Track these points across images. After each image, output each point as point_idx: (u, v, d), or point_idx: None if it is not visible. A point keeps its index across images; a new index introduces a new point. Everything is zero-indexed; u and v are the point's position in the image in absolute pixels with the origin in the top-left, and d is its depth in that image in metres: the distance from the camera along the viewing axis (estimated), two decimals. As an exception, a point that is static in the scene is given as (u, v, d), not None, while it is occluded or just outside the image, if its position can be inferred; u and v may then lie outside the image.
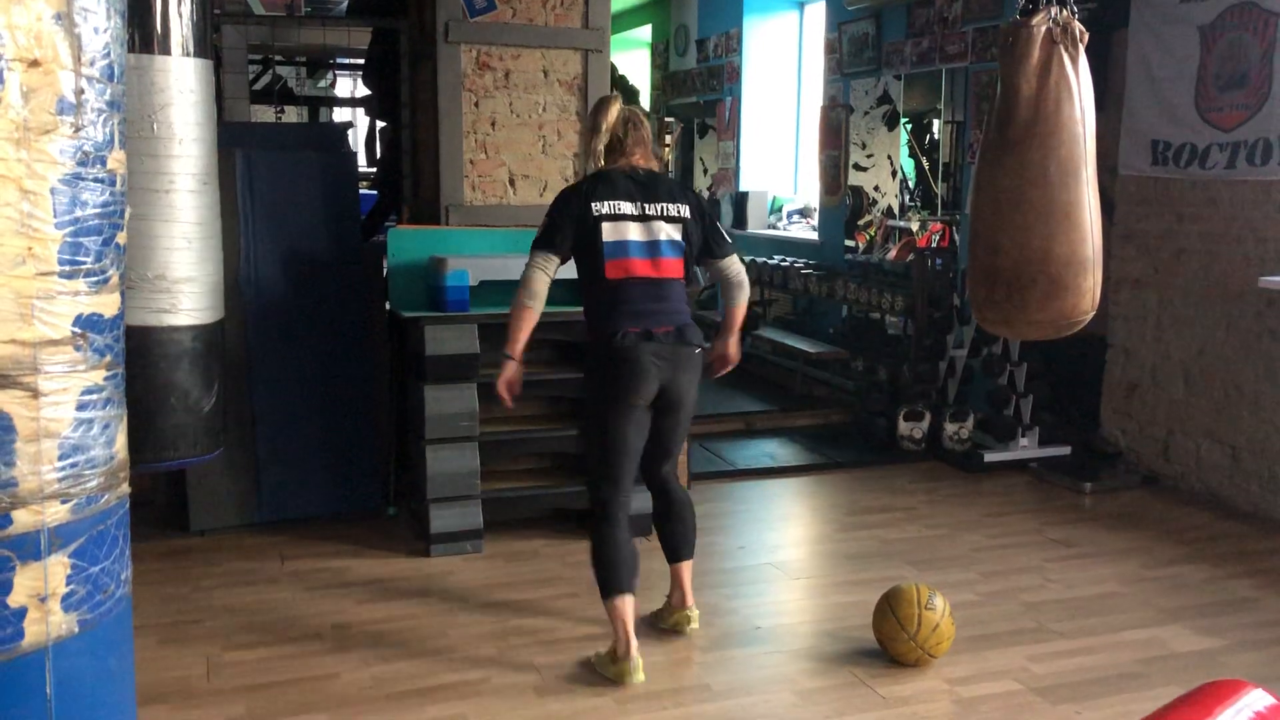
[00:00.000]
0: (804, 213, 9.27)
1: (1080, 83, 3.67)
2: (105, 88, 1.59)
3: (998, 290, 3.75)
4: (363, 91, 6.94)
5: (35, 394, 1.56)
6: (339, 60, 7.56)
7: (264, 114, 7.42)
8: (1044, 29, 3.62)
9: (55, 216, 1.53)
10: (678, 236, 3.40)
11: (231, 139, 4.42)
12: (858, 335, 7.55)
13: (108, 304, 1.67)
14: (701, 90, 10.29)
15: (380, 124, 5.81)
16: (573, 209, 3.36)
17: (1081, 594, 4.08)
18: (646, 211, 3.37)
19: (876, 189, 7.86)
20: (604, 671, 3.36)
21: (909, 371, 6.47)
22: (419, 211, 5.18)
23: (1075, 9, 3.67)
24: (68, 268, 1.57)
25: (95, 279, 1.62)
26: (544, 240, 3.36)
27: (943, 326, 6.41)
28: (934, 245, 7.22)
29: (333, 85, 10.09)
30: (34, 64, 1.46)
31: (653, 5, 11.21)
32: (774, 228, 9.39)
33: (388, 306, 4.82)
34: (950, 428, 5.91)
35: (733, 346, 3.67)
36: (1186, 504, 5.18)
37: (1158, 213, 5.47)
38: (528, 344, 3.44)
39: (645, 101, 10.95)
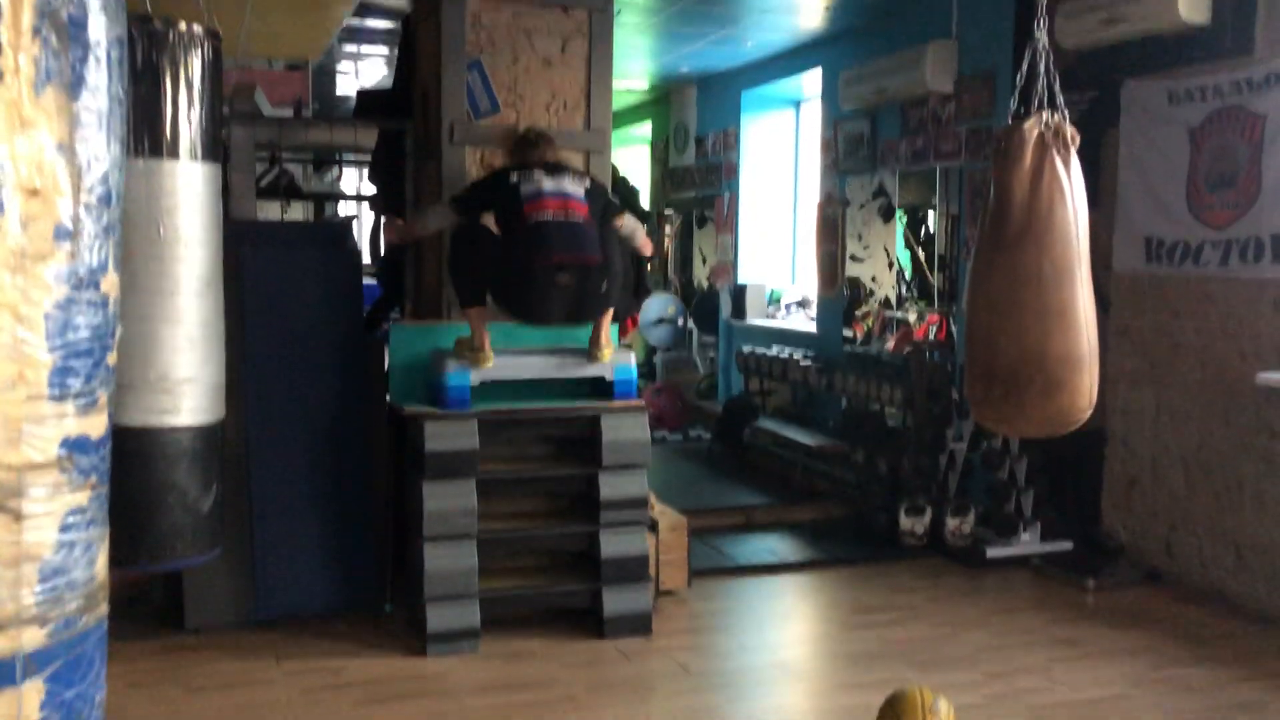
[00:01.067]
0: (802, 304, 9.34)
1: (1073, 185, 3.74)
2: (102, 212, 1.63)
3: (995, 389, 3.77)
4: (368, 187, 7.05)
5: (18, 517, 1.56)
6: (345, 157, 7.69)
7: (270, 208, 7.52)
8: (1036, 133, 3.70)
9: (48, 340, 1.55)
10: (583, 195, 4.21)
11: (237, 237, 4.47)
12: (857, 427, 7.55)
13: (95, 425, 1.67)
14: (700, 185, 10.45)
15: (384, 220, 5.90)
16: (488, 181, 4.27)
17: (1088, 696, 4.02)
18: (555, 175, 4.21)
19: (873, 280, 7.94)
20: (463, 354, 4.32)
21: (909, 465, 6.45)
22: (421, 306, 5.23)
23: (1066, 113, 3.76)
24: (57, 391, 1.58)
25: (84, 400, 1.63)
26: (455, 200, 4.35)
27: (942, 420, 6.41)
28: (931, 337, 7.27)
29: (338, 179, 10.25)
30: (34, 193, 1.50)
31: (652, 104, 11.45)
32: (772, 319, 9.46)
33: (388, 401, 4.83)
34: (952, 522, 5.88)
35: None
36: (1192, 602, 5.13)
37: (1153, 309, 5.52)
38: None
39: (645, 198, 11.11)
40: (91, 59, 1.56)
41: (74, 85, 1.54)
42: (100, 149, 1.60)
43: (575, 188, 4.20)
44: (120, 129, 1.68)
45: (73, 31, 1.53)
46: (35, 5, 1.47)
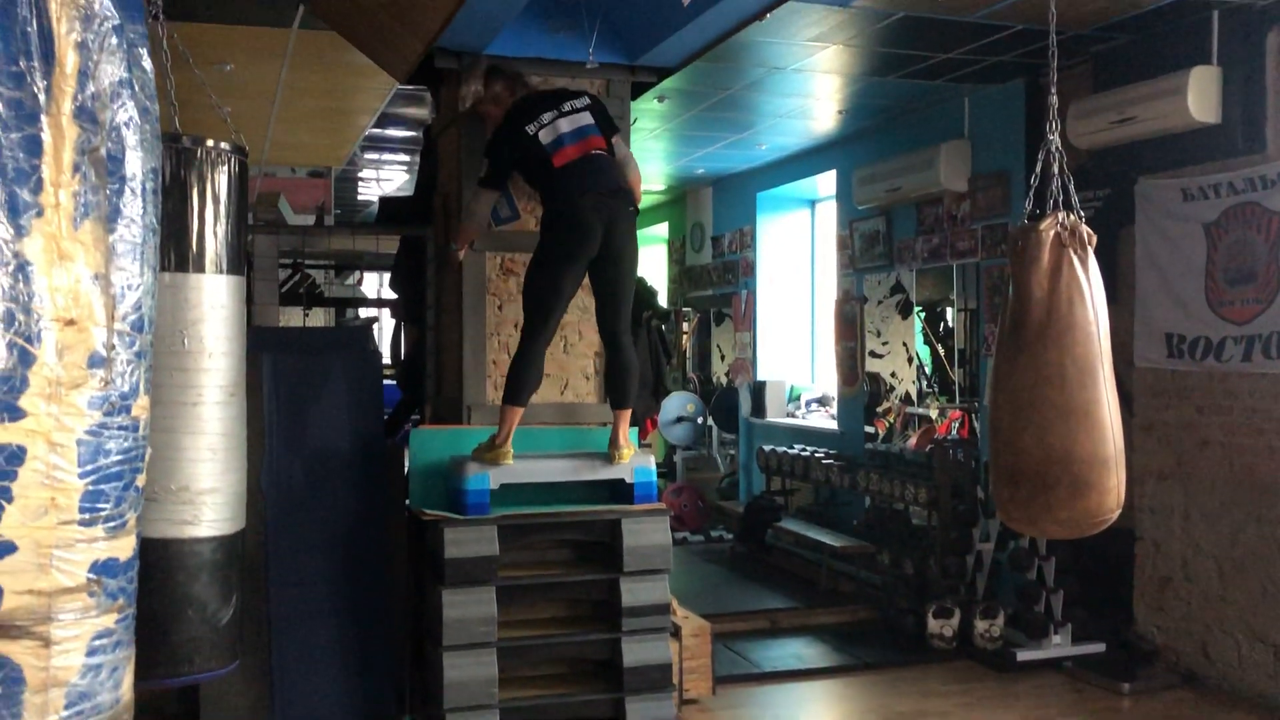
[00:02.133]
0: (822, 401, 9.32)
1: (1091, 283, 3.74)
2: (135, 339, 1.64)
3: (1021, 489, 3.72)
4: (389, 291, 7.13)
5: (47, 643, 1.55)
6: (366, 261, 7.80)
7: (292, 313, 7.62)
8: (1053, 233, 3.72)
9: (79, 466, 1.55)
10: (592, 119, 4.39)
11: (259, 343, 4.52)
12: (882, 526, 7.46)
13: (123, 547, 1.67)
14: (717, 284, 10.53)
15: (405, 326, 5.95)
16: (506, 141, 4.40)
17: (1129, 809, 3.88)
18: (563, 109, 4.36)
19: (893, 376, 7.92)
20: (482, 456, 4.34)
21: (936, 566, 6.35)
22: (441, 410, 5.23)
23: (1081, 212, 3.79)
24: (87, 515, 1.58)
25: (113, 524, 1.63)
26: (485, 180, 4.52)
27: (968, 519, 6.33)
28: (954, 433, 7.22)
29: (359, 283, 10.38)
30: (70, 323, 1.52)
31: (669, 204, 11.61)
32: (793, 416, 9.43)
33: (408, 506, 4.80)
34: (981, 625, 5.76)
35: None
36: (1231, 706, 4.98)
37: (1177, 404, 5.47)
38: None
39: (663, 296, 11.19)
40: (128, 191, 1.60)
41: (111, 217, 1.58)
42: (134, 277, 1.62)
43: (585, 117, 4.39)
44: (154, 257, 1.71)
45: (111, 166, 1.57)
46: (76, 143, 1.51)
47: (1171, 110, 5.20)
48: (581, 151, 4.32)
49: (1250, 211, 5.08)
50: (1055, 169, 3.82)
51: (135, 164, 1.62)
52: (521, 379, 4.36)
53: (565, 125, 4.34)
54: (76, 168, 1.53)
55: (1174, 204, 5.45)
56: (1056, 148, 3.85)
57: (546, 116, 4.34)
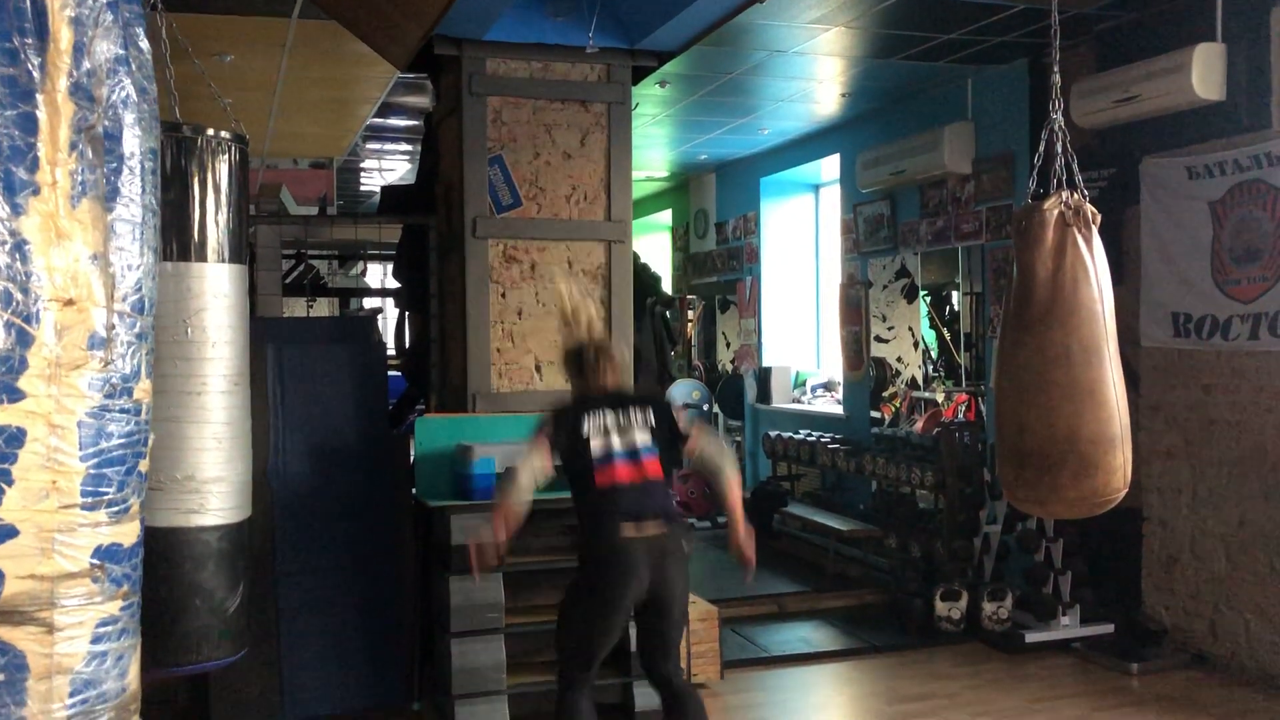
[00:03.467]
0: (828, 387, 9.30)
1: (1096, 263, 3.72)
2: (135, 321, 1.64)
3: (1028, 470, 3.72)
4: (392, 281, 7.12)
5: (50, 629, 1.54)
6: (369, 251, 7.79)
7: (296, 304, 7.62)
8: (1056, 212, 3.70)
9: (80, 449, 1.55)
10: (650, 440, 3.71)
11: (263, 334, 4.52)
12: (889, 511, 7.45)
13: (127, 533, 1.66)
14: (722, 270, 10.51)
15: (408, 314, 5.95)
16: (565, 423, 3.69)
17: (1138, 788, 3.88)
18: (622, 422, 3.71)
19: (899, 360, 7.91)
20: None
21: (943, 549, 6.35)
22: (446, 399, 5.24)
23: (1085, 192, 3.77)
24: (90, 499, 1.57)
25: (116, 509, 1.62)
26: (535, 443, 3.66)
27: (975, 501, 6.32)
28: (960, 417, 7.20)
29: (363, 273, 10.37)
30: (69, 303, 1.51)
31: (672, 191, 11.58)
32: (798, 402, 9.42)
33: (414, 494, 4.81)
34: (989, 607, 5.75)
35: (740, 531, 3.72)
36: (1240, 684, 4.97)
37: (1184, 384, 5.46)
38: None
39: (667, 283, 11.17)
40: (126, 170, 1.59)
41: (109, 196, 1.57)
42: (134, 257, 1.62)
43: (643, 435, 3.72)
44: (153, 237, 1.70)
45: (108, 145, 1.55)
46: (72, 121, 1.50)
47: (1175, 88, 5.17)
48: (630, 477, 3.65)
49: (1256, 189, 5.05)
50: (1059, 149, 3.80)
51: (133, 142, 1.62)
52: (571, 644, 3.71)
53: (618, 443, 3.68)
54: (73, 145, 1.52)
55: (1179, 182, 5.42)
56: (1060, 127, 3.84)
57: (603, 420, 3.70)
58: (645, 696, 4.42)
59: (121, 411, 1.63)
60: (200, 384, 3.21)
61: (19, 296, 1.48)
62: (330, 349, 4.82)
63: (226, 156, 3.29)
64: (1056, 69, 3.94)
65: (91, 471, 1.59)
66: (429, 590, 4.72)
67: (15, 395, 1.50)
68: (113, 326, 1.58)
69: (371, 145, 9.34)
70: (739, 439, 10.15)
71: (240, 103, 6.86)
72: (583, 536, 3.75)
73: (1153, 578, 5.66)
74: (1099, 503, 3.68)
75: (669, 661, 3.69)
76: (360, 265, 9.31)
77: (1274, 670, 4.99)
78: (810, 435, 8.31)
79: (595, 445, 3.66)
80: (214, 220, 3.26)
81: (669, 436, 3.76)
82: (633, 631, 3.94)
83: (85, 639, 1.61)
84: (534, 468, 3.58)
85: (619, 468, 3.65)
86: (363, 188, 11.50)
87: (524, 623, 4.43)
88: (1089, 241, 3.70)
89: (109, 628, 1.66)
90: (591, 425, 3.68)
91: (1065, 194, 3.69)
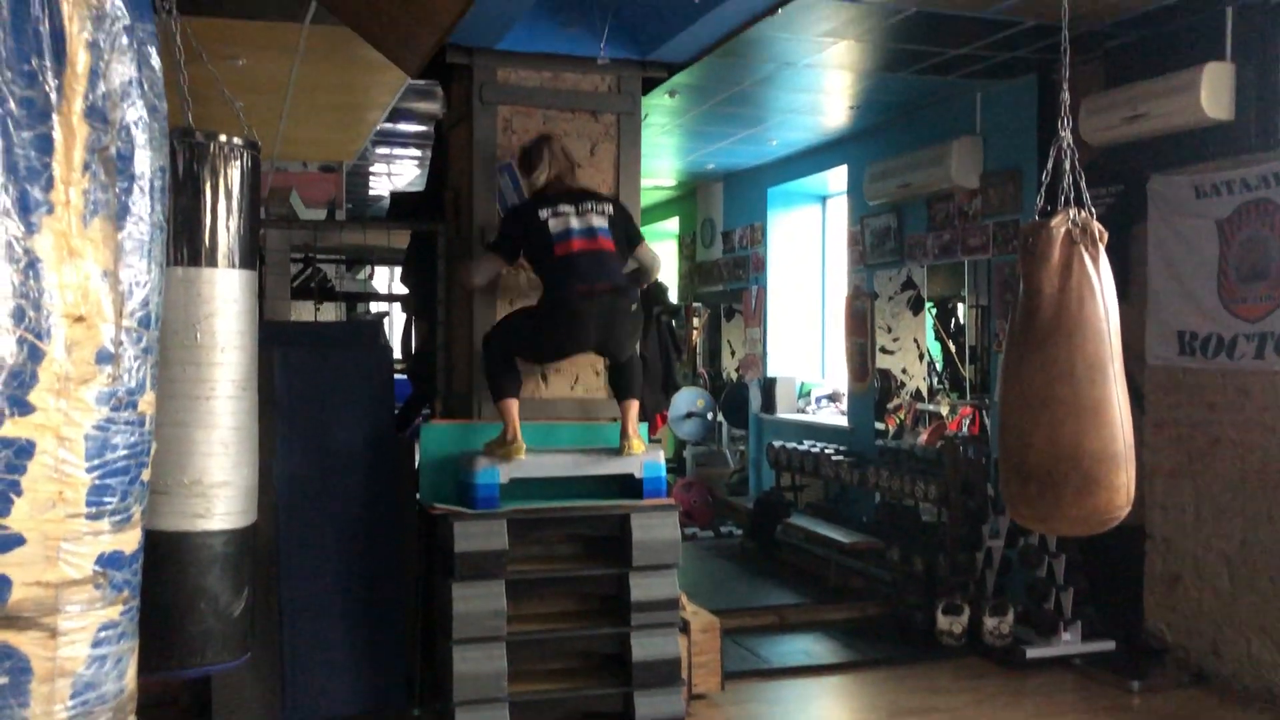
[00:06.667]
0: (833, 398, 9.31)
1: (1102, 280, 3.73)
2: (142, 335, 1.66)
3: (1030, 487, 3.72)
4: (400, 285, 7.15)
5: (53, 634, 1.57)
6: (377, 256, 7.81)
7: (303, 306, 7.64)
8: (1063, 229, 3.71)
9: (86, 461, 1.57)
10: (607, 225, 4.37)
11: (270, 337, 4.53)
12: (892, 523, 7.46)
13: (129, 540, 1.69)
14: (728, 279, 10.52)
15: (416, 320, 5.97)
16: (520, 219, 4.41)
17: (1138, 807, 3.88)
18: (579, 209, 4.36)
19: (904, 372, 7.91)
20: (494, 452, 4.35)
21: (945, 562, 6.35)
22: (451, 405, 5.25)
23: (1092, 209, 3.77)
24: (94, 509, 1.60)
25: (119, 518, 1.65)
26: (495, 246, 4.48)
27: (978, 516, 6.32)
28: (964, 430, 7.21)
29: (370, 278, 10.40)
30: (79, 319, 1.54)
31: (679, 200, 11.61)
32: (803, 412, 9.42)
33: (418, 500, 4.82)
34: (990, 622, 5.75)
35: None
36: (1243, 705, 4.97)
37: (1189, 402, 5.46)
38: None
39: (673, 293, 11.19)
40: (136, 189, 1.61)
41: (119, 215, 1.59)
42: (142, 274, 1.64)
43: (600, 220, 4.37)
44: (160, 254, 1.72)
45: (120, 165, 1.58)
46: (86, 142, 1.52)
47: (1184, 107, 5.18)
48: (584, 247, 4.31)
49: (1264, 208, 5.05)
50: (1067, 166, 3.81)
51: (144, 162, 1.64)
52: (499, 379, 4.41)
53: (576, 222, 4.34)
54: (86, 166, 1.55)
55: (1187, 201, 5.42)
56: (1068, 144, 3.85)
57: (563, 208, 4.36)
58: (646, 706, 4.43)
59: (127, 424, 1.65)
60: (209, 389, 3.22)
61: (31, 313, 1.51)
62: (336, 353, 4.83)
63: (239, 162, 3.29)
64: (1066, 86, 3.96)
65: (96, 482, 1.62)
66: (431, 597, 4.73)
67: (26, 409, 1.52)
68: (120, 342, 1.61)
69: (381, 150, 9.38)
70: (743, 448, 10.16)
71: (251, 106, 6.87)
72: (543, 295, 4.36)
73: (1155, 595, 5.65)
74: (1102, 521, 3.69)
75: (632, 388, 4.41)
76: (368, 269, 9.33)
77: (1276, 690, 4.99)
78: (814, 446, 8.31)
79: (553, 225, 4.28)
80: (225, 226, 3.27)
81: (624, 234, 4.43)
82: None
83: (86, 643, 1.65)
84: (494, 266, 4.55)
85: (575, 241, 4.27)
86: (372, 192, 11.54)
87: (527, 631, 4.43)
88: (1095, 259, 3.71)
89: (109, 632, 1.70)
90: (548, 211, 4.32)
91: (1073, 211, 3.70)
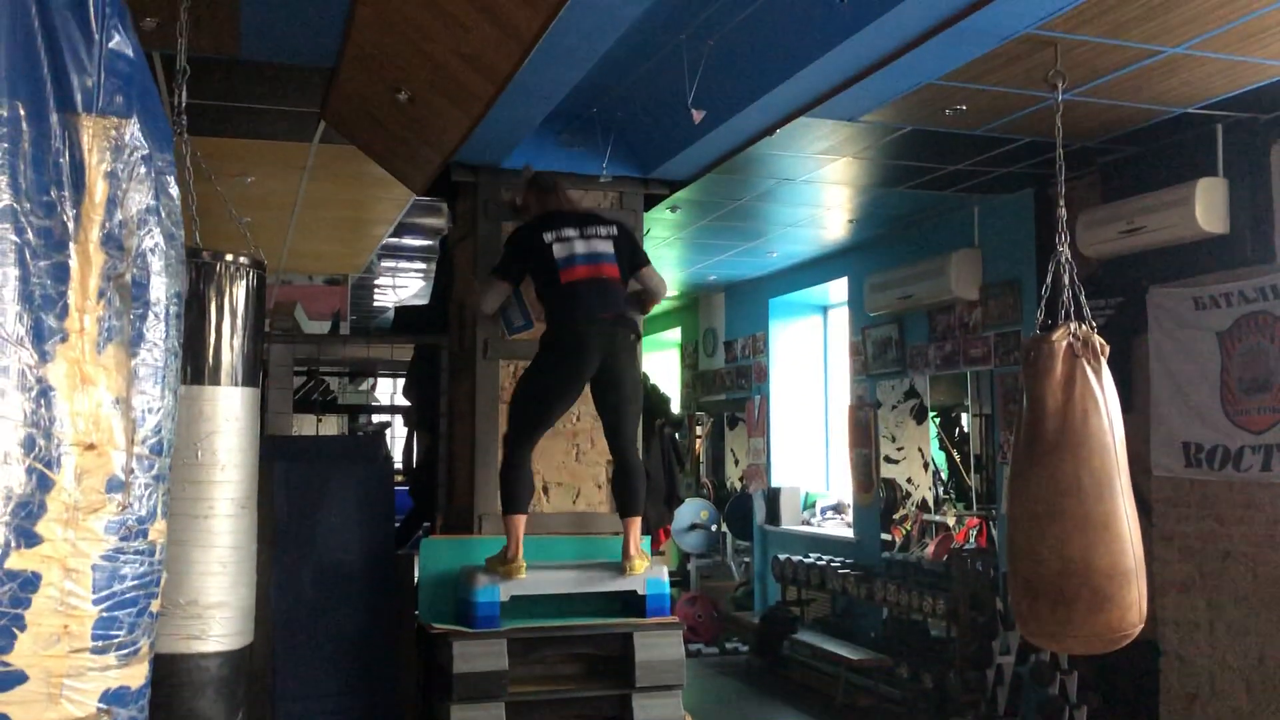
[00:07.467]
0: (838, 509, 9.23)
1: (1105, 394, 3.73)
2: (154, 462, 1.65)
3: (1041, 604, 3.66)
4: (401, 397, 7.15)
5: (56, 777, 1.51)
6: (380, 369, 7.84)
7: (305, 418, 7.64)
8: (1065, 344, 3.72)
9: (94, 593, 1.54)
10: (612, 250, 4.37)
11: (272, 452, 4.51)
12: (900, 638, 7.31)
13: (135, 675, 1.64)
14: (730, 388, 10.54)
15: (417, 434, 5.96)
16: (523, 243, 4.42)
17: None
18: (585, 232, 4.37)
19: (909, 481, 7.85)
20: (495, 569, 4.33)
21: (955, 679, 6.21)
22: (452, 519, 5.20)
23: (1093, 322, 3.80)
24: (100, 643, 1.56)
25: (126, 651, 1.60)
26: (498, 270, 4.49)
27: (987, 631, 6.20)
28: (971, 541, 7.12)
29: (373, 389, 10.42)
30: (90, 447, 1.52)
31: (681, 310, 11.70)
32: (808, 524, 9.33)
33: (417, 617, 4.74)
34: (1003, 742, 5.60)
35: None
36: (1267, 830, 4.80)
37: (1197, 514, 5.40)
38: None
39: (675, 403, 11.19)
40: (151, 316, 1.62)
41: (134, 341, 1.59)
42: (155, 400, 1.63)
43: (605, 245, 4.38)
44: (175, 380, 1.72)
45: (135, 292, 1.59)
46: (102, 269, 1.53)
47: (1179, 220, 5.25)
48: (590, 274, 4.32)
49: (1262, 320, 5.08)
50: (1066, 279, 3.85)
51: (160, 289, 1.65)
52: (514, 489, 4.38)
53: (581, 246, 4.35)
54: (102, 293, 1.56)
55: (1186, 313, 5.46)
56: (1067, 259, 3.89)
57: (568, 232, 4.37)
58: (644, 709, 4.29)
59: (136, 553, 1.62)
60: (208, 507, 3.19)
61: (42, 442, 1.50)
62: (338, 466, 4.81)
63: (244, 281, 3.32)
64: (1062, 202, 4.02)
65: (104, 615, 1.58)
66: (430, 716, 4.61)
67: (33, 540, 1.50)
68: (131, 470, 1.59)
69: (386, 263, 9.49)
70: (748, 560, 10.03)
71: (259, 221, 7.01)
72: (547, 327, 4.35)
73: (1171, 713, 5.51)
74: (1115, 639, 3.62)
75: (621, 438, 4.38)
76: (371, 381, 9.36)
77: (1301, 815, 4.82)
78: (820, 559, 8.20)
79: (557, 249, 4.30)
80: (229, 344, 3.28)
81: (630, 258, 4.46)
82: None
83: (90, 782, 1.58)
84: (500, 291, 4.49)
85: (579, 268, 4.28)
86: (376, 303, 11.63)
87: (526, 754, 4.31)
88: (1098, 373, 3.72)
89: (116, 771, 1.63)
90: (552, 235, 4.33)
91: (1073, 325, 3.72)
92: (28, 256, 1.48)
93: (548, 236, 4.35)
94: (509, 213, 4.87)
